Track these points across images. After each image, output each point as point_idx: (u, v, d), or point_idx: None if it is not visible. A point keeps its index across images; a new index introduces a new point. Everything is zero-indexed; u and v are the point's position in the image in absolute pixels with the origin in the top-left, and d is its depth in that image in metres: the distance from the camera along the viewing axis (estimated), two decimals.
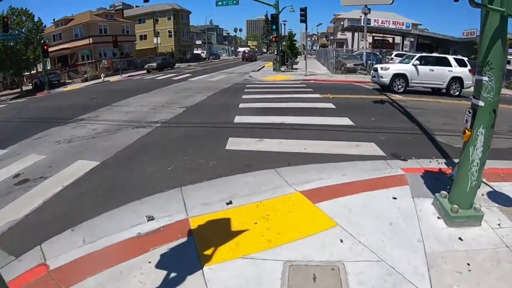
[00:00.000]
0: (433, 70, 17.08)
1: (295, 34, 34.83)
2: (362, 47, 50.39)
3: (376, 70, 18.09)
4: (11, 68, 45.58)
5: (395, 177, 5.98)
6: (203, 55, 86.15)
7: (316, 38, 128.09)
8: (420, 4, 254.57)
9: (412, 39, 59.30)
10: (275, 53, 32.34)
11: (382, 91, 17.24)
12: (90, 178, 7.00)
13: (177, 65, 62.48)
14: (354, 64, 28.57)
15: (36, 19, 47.60)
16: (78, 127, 11.98)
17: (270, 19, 28.80)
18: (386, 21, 45.63)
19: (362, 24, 44.46)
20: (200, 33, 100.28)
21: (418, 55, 18.22)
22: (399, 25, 45.94)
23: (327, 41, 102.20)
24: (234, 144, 8.43)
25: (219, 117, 11.98)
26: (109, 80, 39.74)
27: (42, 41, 44.44)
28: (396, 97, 15.61)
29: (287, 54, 34.77)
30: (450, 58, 17.58)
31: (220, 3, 30.92)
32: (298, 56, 36.75)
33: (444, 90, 17.20)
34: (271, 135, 9.06)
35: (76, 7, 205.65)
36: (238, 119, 11.19)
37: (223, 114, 12.42)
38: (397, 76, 17.18)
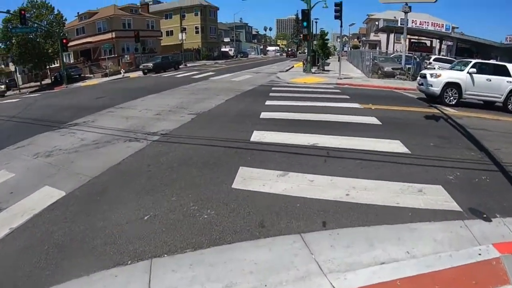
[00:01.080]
0: (490, 80, 14.18)
1: (327, 33, 31.94)
2: (397, 50, 47.65)
3: (424, 77, 15.35)
4: (31, 61, 45.28)
5: (488, 265, 3.61)
6: (231, 53, 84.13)
7: (347, 39, 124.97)
8: (455, 7, 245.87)
9: (450, 43, 55.82)
10: (305, 52, 30.05)
11: (430, 102, 14.53)
12: (44, 221, 5.10)
13: (203, 62, 61.05)
14: (392, 68, 25.83)
15: (61, 13, 47.27)
16: (68, 134, 10.29)
17: (301, 15, 26.31)
18: (425, 22, 42.25)
19: (399, 24, 42.08)
20: (229, 31, 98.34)
21: (473, 61, 15.26)
22: (438, 27, 42.41)
23: (359, 42, 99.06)
24: (246, 179, 6.04)
25: (233, 131, 9.52)
26: (129, 76, 38.61)
27: (61, 34, 43.69)
28: (449, 111, 12.88)
29: (318, 54, 32.18)
30: (510, 66, 14.75)
31: None
32: (330, 57, 33.91)
33: (500, 104, 14.31)
34: (299, 165, 6.65)
35: (106, 1, 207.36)
36: (256, 136, 8.69)
37: (239, 126, 10.01)
38: (449, 85, 14.39)
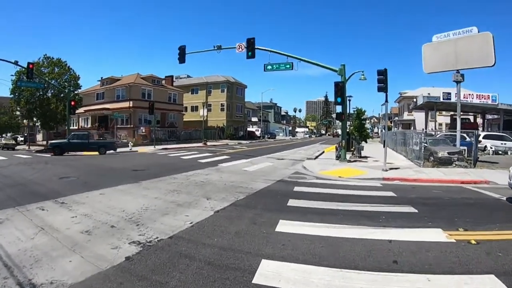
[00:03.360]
0: None
1: (364, 111, 26.80)
2: (432, 129, 42.68)
3: None
4: (39, 119, 43.33)
5: None
6: (258, 133, 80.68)
7: (375, 119, 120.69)
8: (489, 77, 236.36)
9: (491, 116, 50.98)
10: (331, 134, 24.92)
11: None
12: None
13: (225, 141, 57.62)
14: (448, 153, 20.32)
15: (76, 74, 45.18)
16: None
17: (334, 89, 21.40)
18: (469, 95, 36.89)
19: (441, 99, 37.11)
20: (257, 110, 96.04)
21: None
22: (484, 99, 36.97)
23: (391, 122, 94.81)
24: None
25: None
26: (137, 151, 34.99)
27: (72, 96, 41.35)
28: None
29: (354, 137, 26.96)
30: None
31: (269, 67, 24.35)
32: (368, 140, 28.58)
33: None
34: None
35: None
36: None
37: None
38: None
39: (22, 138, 55.28)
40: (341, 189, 12.81)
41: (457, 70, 22.40)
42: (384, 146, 18.87)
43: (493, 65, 21.18)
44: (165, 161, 23.99)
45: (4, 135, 47.40)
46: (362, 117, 27.34)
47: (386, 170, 17.68)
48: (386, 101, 18.89)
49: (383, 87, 18.31)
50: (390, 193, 12.07)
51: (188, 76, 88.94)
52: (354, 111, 38.13)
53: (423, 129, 32.73)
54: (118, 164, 21.40)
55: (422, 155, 20.29)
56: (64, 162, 23.82)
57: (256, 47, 24.16)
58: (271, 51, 24.06)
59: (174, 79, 73.07)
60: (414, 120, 63.64)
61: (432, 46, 23.95)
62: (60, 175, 16.39)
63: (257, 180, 15.17)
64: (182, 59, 27.01)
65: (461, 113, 49.79)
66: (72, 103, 37.34)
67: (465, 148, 21.50)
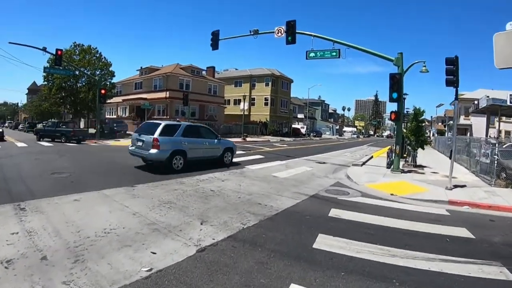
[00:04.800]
0: None
1: (423, 111, 22.66)
2: (491, 136, 37.95)
3: None
4: (71, 107, 42.11)
5: None
6: (303, 131, 77.18)
7: (427, 122, 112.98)
8: None
9: None
10: (386, 135, 21.00)
11: None
12: None
13: (267, 137, 54.78)
14: None
15: (108, 61, 43.66)
16: None
17: (389, 82, 17.64)
18: None
19: (509, 102, 32.30)
20: (304, 107, 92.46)
21: None
22: None
23: (444, 126, 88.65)
24: None
25: None
26: None
27: (103, 83, 39.76)
28: None
29: (410, 143, 23.08)
30: None
31: (312, 54, 20.96)
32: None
33: None
34: None
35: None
36: None
37: None
38: None
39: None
40: (396, 219, 9.29)
41: None
42: (450, 158, 15.06)
43: None
44: None
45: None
46: (421, 119, 23.28)
47: (451, 189, 14.01)
48: (456, 98, 15.00)
49: (453, 80, 14.39)
50: (464, 231, 8.54)
51: (236, 70, 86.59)
52: (407, 111, 34.09)
53: (491, 136, 28.35)
54: (133, 158, 19.05)
55: (493, 171, 16.37)
56: (77, 154, 22.09)
57: (297, 31, 20.90)
58: (314, 35, 20.66)
59: (217, 71, 70.97)
60: (471, 125, 58.35)
61: (506, 35, 19.65)
62: (55, 170, 14.51)
63: (284, 192, 12.03)
64: (215, 45, 24.24)
65: None
66: (103, 91, 35.80)
67: None
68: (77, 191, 10.34)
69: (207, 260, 5.87)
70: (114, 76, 45.46)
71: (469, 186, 15.21)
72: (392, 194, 12.88)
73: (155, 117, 48.24)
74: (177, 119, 46.41)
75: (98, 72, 42.42)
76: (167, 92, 48.71)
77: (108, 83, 43.61)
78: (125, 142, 31.69)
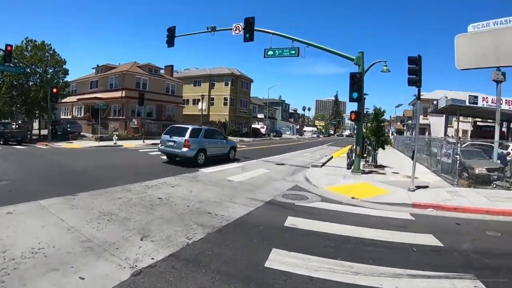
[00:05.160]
0: None
1: (384, 111, 22.30)
2: (452, 135, 38.33)
3: None
4: (22, 107, 39.57)
5: None
6: (263, 131, 76.43)
7: (387, 123, 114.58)
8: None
9: None
10: (346, 134, 20.56)
11: None
12: None
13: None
14: (487, 169, 16.09)
15: (62, 58, 41.28)
16: None
17: (349, 81, 16.98)
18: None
19: (467, 103, 32.56)
20: (264, 106, 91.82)
21: None
22: None
23: (403, 126, 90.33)
24: None
25: None
26: (122, 146, 31.33)
27: (55, 81, 37.45)
28: None
29: (370, 143, 22.60)
30: None
31: (270, 52, 20.13)
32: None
33: None
34: None
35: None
36: None
37: None
38: None
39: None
40: (358, 227, 8.45)
41: (498, 67, 18.15)
42: (412, 158, 14.46)
43: None
44: (138, 162, 20.10)
45: None
46: (381, 118, 22.87)
47: (413, 190, 13.45)
48: (419, 98, 14.39)
49: (415, 79, 13.75)
50: (431, 239, 7.84)
51: (197, 69, 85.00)
52: (367, 111, 33.90)
53: (450, 136, 28.47)
54: (82, 163, 17.60)
55: (456, 170, 16.00)
56: (24, 158, 20.50)
57: (255, 28, 20.02)
58: (273, 33, 19.82)
59: (177, 71, 69.39)
60: (429, 125, 59.48)
61: (467, 37, 19.58)
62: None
63: (238, 199, 11.03)
64: (171, 42, 22.95)
65: (485, 120, 45.68)
66: (54, 90, 33.77)
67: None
68: (12, 202, 9.02)
69: (142, 286, 4.84)
70: (68, 74, 42.69)
71: (432, 187, 14.76)
72: (353, 198, 12.11)
73: (110, 117, 46.36)
74: (133, 120, 44.83)
75: (51, 70, 39.87)
76: (123, 91, 46.53)
77: (61, 81, 41.07)
78: (78, 145, 30.05)
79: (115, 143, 32.15)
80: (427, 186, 14.81)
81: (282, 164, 22.22)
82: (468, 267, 6.19)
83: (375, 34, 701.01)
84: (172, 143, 19.09)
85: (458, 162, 16.03)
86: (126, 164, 18.96)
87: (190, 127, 19.37)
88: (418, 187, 14.15)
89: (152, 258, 5.85)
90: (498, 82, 18.29)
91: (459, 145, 16.80)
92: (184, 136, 18.55)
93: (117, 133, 39.83)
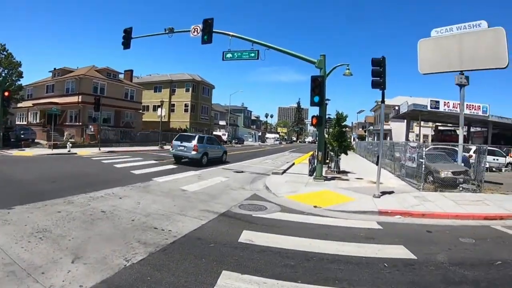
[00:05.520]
0: None
1: (346, 116, 21.82)
2: (413, 139, 38.53)
3: None
4: None
5: None
6: (224, 138, 75.01)
7: (349, 129, 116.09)
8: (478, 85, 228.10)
9: (479, 129, 48.07)
10: (309, 141, 20.19)
11: None
12: None
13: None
14: (452, 173, 15.80)
15: (15, 59, 38.85)
16: None
17: (310, 85, 16.25)
18: (459, 104, 32.94)
19: (429, 108, 32.88)
20: (226, 113, 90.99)
21: None
22: (475, 109, 33.28)
23: (365, 132, 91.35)
24: None
25: None
26: (76, 153, 29.49)
27: (8, 84, 35.22)
28: None
29: (332, 148, 21.98)
30: None
31: (229, 55, 19.23)
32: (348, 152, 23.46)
33: None
34: None
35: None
36: None
37: None
38: None
39: None
40: (321, 240, 7.57)
41: (461, 71, 17.97)
42: (377, 164, 13.81)
43: (505, 67, 16.90)
44: (89, 170, 18.50)
45: None
46: (343, 124, 22.35)
47: (379, 196, 12.77)
48: (383, 101, 13.79)
49: (379, 82, 13.08)
50: (402, 250, 7.06)
51: (158, 75, 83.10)
52: (329, 117, 33.45)
53: (412, 140, 28.38)
54: (28, 172, 15.98)
55: (421, 175, 15.54)
56: None
57: (214, 30, 19.09)
58: (232, 35, 18.94)
59: (137, 76, 67.62)
60: (391, 130, 60.13)
61: (430, 42, 19.42)
62: None
63: (190, 211, 9.92)
64: (127, 44, 21.66)
65: (445, 124, 46.37)
66: (6, 93, 31.29)
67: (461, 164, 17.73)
68: None
69: None
70: (22, 77, 40.50)
71: (398, 192, 14.21)
72: (315, 207, 11.23)
73: (67, 123, 44.02)
74: (90, 126, 42.89)
75: (4, 73, 37.48)
76: (80, 96, 44.29)
77: (15, 84, 38.65)
78: (30, 152, 27.91)
79: (69, 151, 30.30)
80: (392, 192, 14.23)
81: (242, 171, 21.24)
82: (447, 283, 5.45)
83: (338, 39, 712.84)
84: (182, 148, 23.31)
85: (423, 166, 15.61)
86: (75, 173, 17.41)
87: (197, 136, 23.80)
88: (384, 193, 13.53)
89: (81, 286, 4.74)
90: (461, 85, 18.18)
91: (424, 148, 16.40)
92: (192, 142, 22.90)
93: (72, 140, 38.02)
